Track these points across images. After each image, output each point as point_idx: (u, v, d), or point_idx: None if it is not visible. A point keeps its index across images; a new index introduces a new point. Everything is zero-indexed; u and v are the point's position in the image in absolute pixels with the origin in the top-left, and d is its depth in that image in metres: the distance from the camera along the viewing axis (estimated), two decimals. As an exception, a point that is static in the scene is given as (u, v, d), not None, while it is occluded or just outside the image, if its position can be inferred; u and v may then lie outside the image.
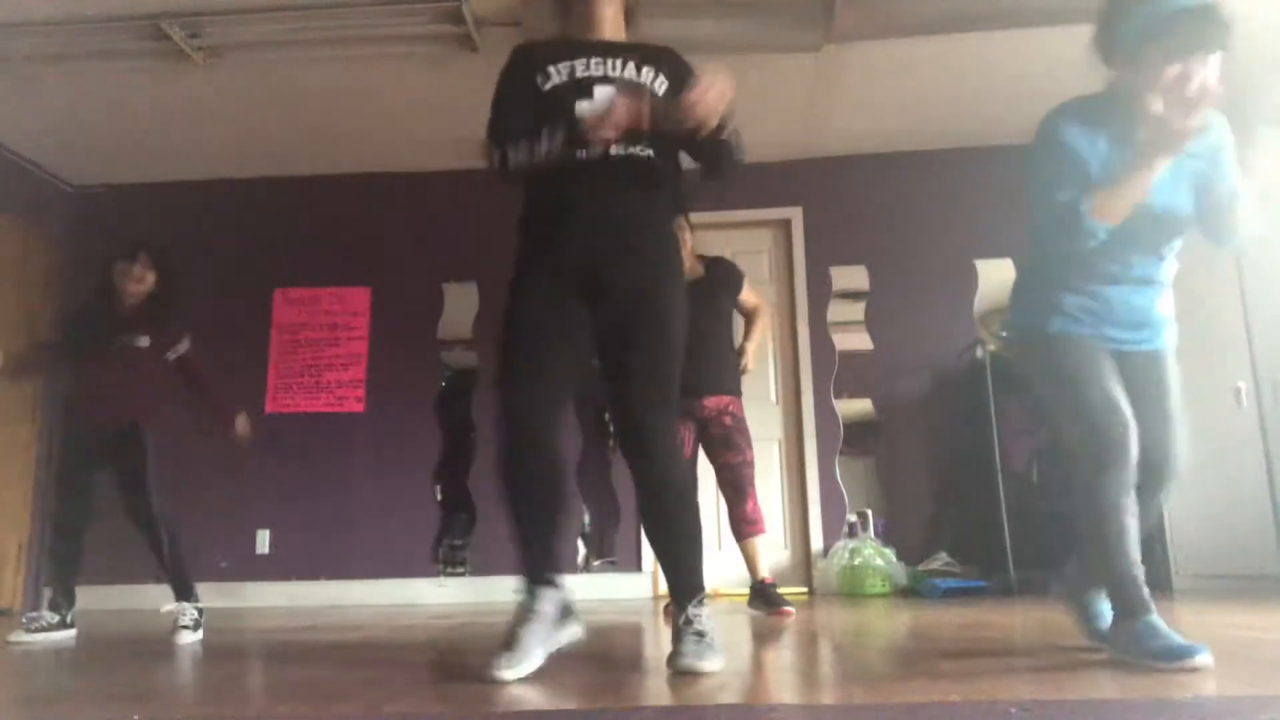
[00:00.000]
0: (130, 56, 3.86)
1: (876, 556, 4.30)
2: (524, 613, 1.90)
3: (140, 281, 3.24)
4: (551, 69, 1.99)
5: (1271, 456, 4.04)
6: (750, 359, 3.64)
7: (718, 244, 4.18)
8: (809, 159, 5.03)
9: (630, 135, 1.88)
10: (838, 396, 4.85)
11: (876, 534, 4.71)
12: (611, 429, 5.01)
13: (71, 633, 3.12)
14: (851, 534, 4.69)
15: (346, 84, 4.22)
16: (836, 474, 4.76)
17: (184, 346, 3.27)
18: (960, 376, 4.64)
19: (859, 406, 4.99)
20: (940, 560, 4.34)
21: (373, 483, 4.80)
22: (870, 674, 1.80)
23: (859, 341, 4.86)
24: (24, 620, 3.05)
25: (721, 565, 4.65)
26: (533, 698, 1.56)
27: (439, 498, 5.10)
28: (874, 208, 4.98)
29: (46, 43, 3.71)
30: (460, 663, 2.22)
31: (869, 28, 3.78)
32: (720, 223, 4.33)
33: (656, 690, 1.67)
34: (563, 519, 2.00)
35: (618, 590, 4.64)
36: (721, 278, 3.66)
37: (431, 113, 4.46)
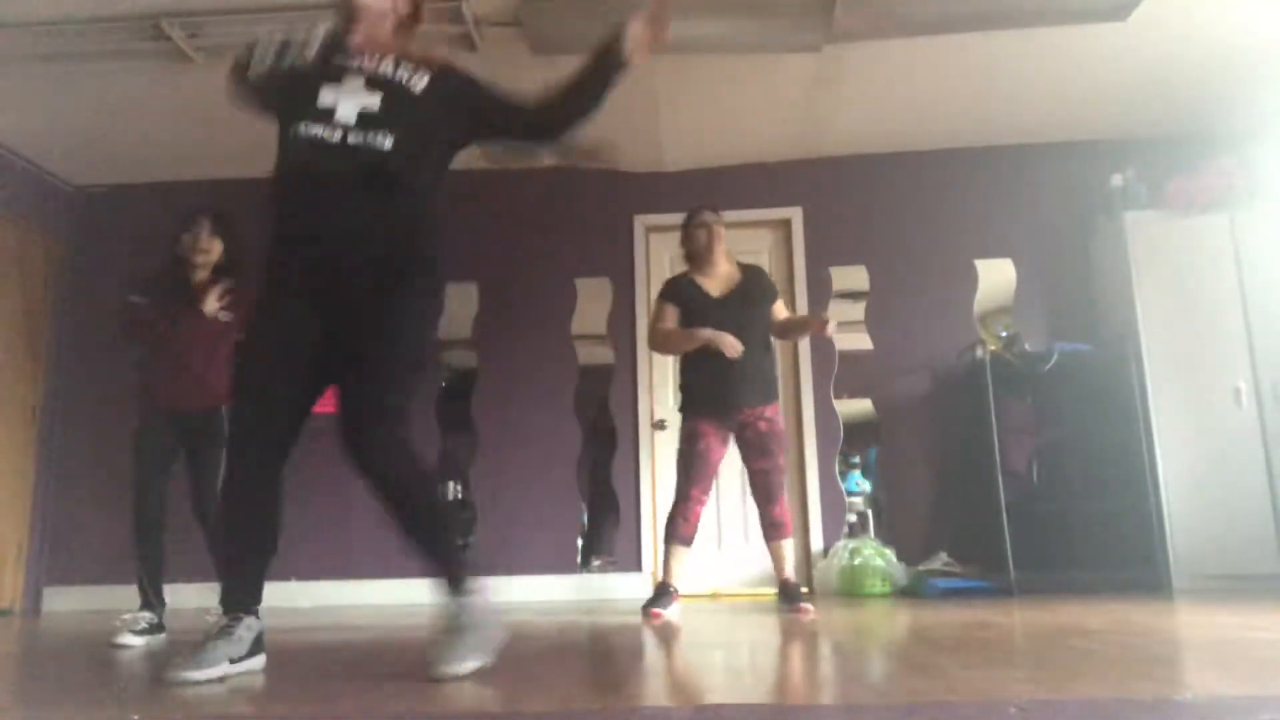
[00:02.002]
0: (130, 56, 3.86)
1: (876, 556, 4.30)
2: (221, 630, 1.89)
3: (207, 252, 3.11)
4: (314, 53, 2.05)
5: (1271, 456, 4.05)
6: (809, 318, 3.71)
7: (718, 244, 4.18)
8: (809, 159, 5.03)
9: (375, 120, 1.92)
10: (838, 396, 4.85)
11: (876, 534, 4.71)
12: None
13: (163, 636, 2.99)
14: (851, 534, 4.69)
15: (346, 84, 4.22)
16: (836, 474, 4.76)
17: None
18: (960, 376, 4.64)
19: (859, 406, 4.99)
20: (940, 560, 4.34)
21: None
22: (870, 674, 1.80)
23: (859, 341, 4.86)
24: (124, 620, 2.90)
25: (721, 566, 4.66)
26: (533, 698, 1.56)
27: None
28: (874, 208, 4.98)
29: (46, 43, 3.71)
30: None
31: (869, 28, 3.78)
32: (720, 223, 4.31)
33: (656, 690, 1.67)
34: (271, 550, 2.00)
35: (618, 590, 4.64)
36: (760, 287, 3.66)
37: (431, 113, 4.46)
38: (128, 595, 4.56)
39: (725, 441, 3.55)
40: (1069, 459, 4.45)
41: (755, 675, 1.84)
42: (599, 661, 2.11)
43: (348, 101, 1.95)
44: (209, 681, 1.79)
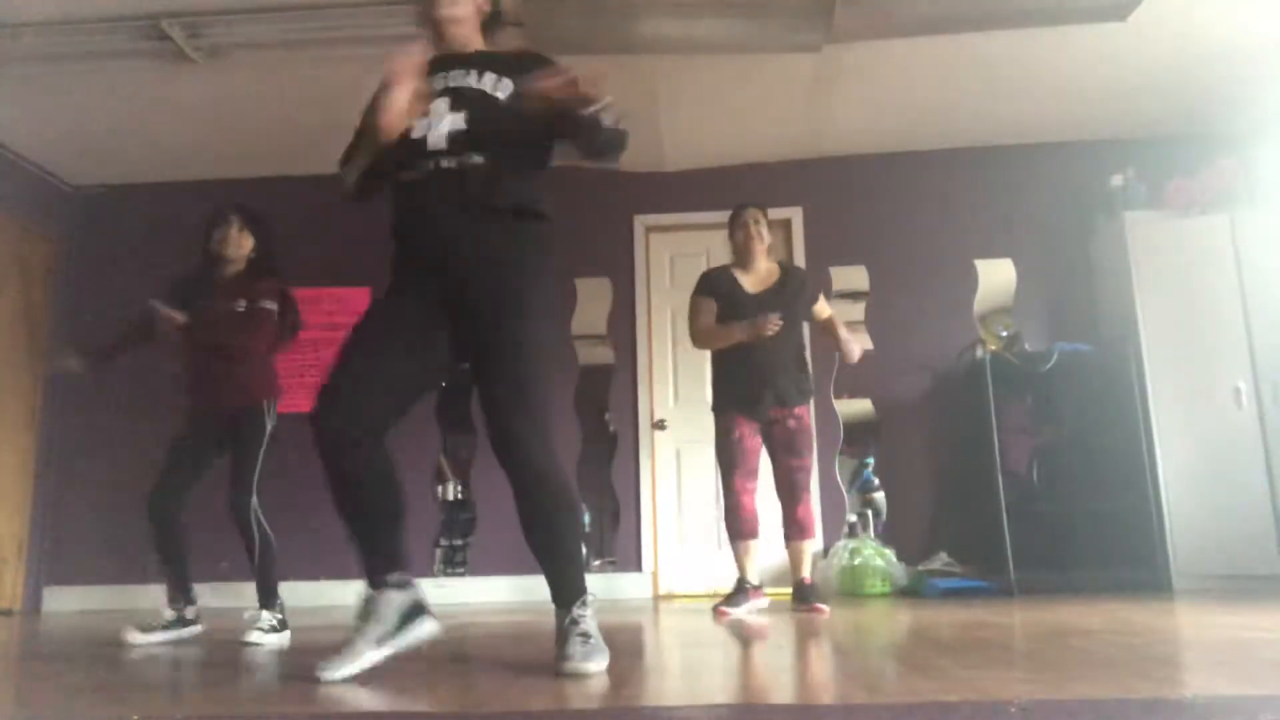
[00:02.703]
0: (130, 56, 3.86)
1: (876, 556, 4.30)
2: (361, 615, 1.89)
3: (240, 247, 3.07)
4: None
5: (1271, 456, 4.05)
6: (851, 344, 3.68)
7: (718, 244, 4.18)
8: (809, 159, 5.03)
9: (462, 142, 1.93)
10: (838, 396, 4.85)
11: (876, 534, 4.71)
12: (481, 435, 5.01)
13: (193, 630, 2.96)
14: (851, 534, 4.69)
15: (346, 84, 4.21)
16: (836, 474, 4.76)
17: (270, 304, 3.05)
18: (960, 376, 4.64)
19: (859, 406, 4.99)
20: (940, 560, 4.35)
21: (373, 483, 4.79)
22: (870, 674, 1.80)
23: (859, 341, 4.85)
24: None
25: (722, 566, 4.66)
26: (534, 698, 1.56)
27: (439, 498, 5.10)
28: (874, 208, 4.98)
29: (46, 43, 3.71)
30: (460, 662, 2.22)
31: (869, 28, 3.77)
32: (720, 223, 4.29)
33: (657, 690, 1.67)
34: (394, 520, 1.99)
35: (618, 590, 4.64)
36: (797, 288, 3.64)
37: (431, 113, 4.46)
38: (128, 595, 4.60)
39: (757, 434, 3.55)
40: (1069, 459, 4.45)
41: (755, 675, 1.84)
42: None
43: (436, 128, 1.96)
44: (362, 673, 1.78)
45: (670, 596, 4.64)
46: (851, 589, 4.24)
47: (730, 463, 3.50)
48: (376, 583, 1.92)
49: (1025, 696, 1.39)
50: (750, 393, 3.51)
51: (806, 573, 3.52)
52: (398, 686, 1.72)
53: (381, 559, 1.95)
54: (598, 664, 1.78)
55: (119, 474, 4.77)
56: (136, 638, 2.79)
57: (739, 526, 3.49)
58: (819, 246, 4.93)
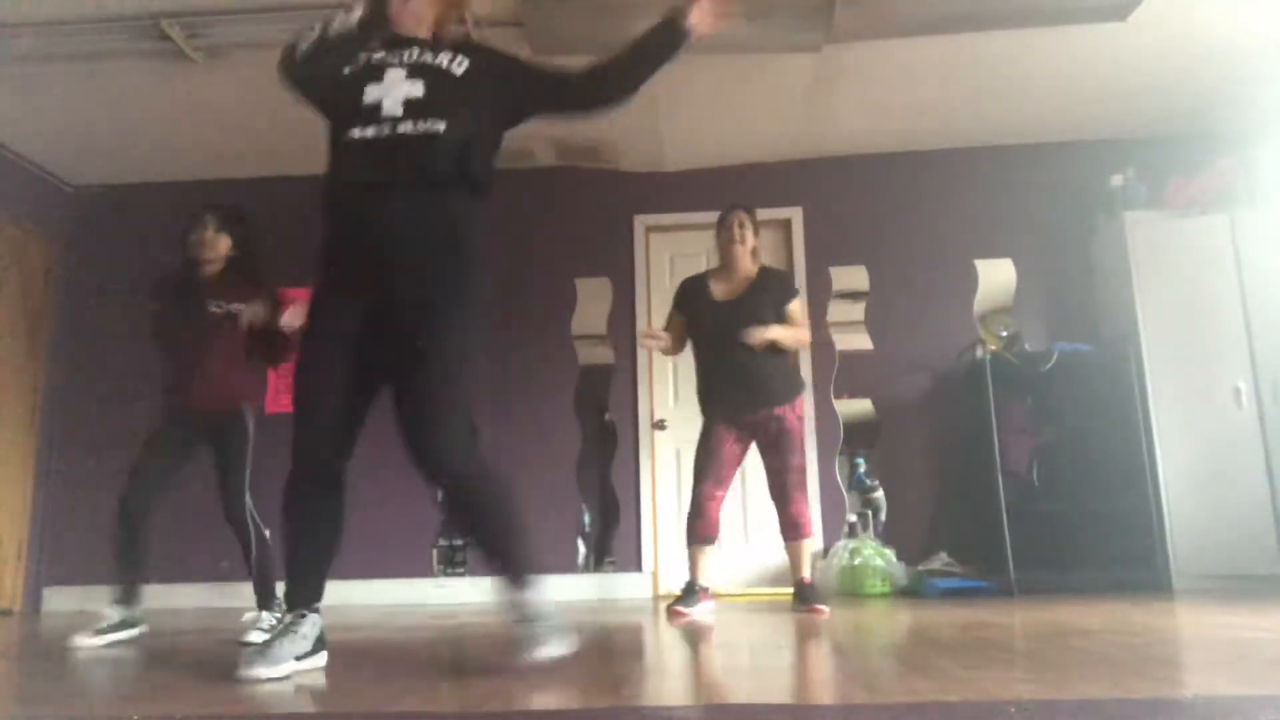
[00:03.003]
0: (130, 56, 3.86)
1: (876, 556, 4.30)
2: (286, 629, 1.92)
3: (213, 247, 3.04)
4: (354, 56, 2.06)
5: (1271, 456, 4.05)
6: (764, 334, 3.40)
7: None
8: (809, 159, 5.03)
9: (418, 109, 1.93)
10: (838, 396, 4.85)
11: (876, 534, 4.71)
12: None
13: (135, 631, 2.93)
14: (851, 534, 4.69)
15: (346, 84, 4.22)
16: (836, 474, 4.76)
17: (245, 309, 2.99)
18: (960, 376, 4.64)
19: (859, 406, 4.99)
20: (940, 560, 4.34)
21: (372, 483, 4.78)
22: (870, 674, 1.80)
23: (859, 341, 4.85)
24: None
25: (722, 566, 4.66)
26: (533, 697, 1.56)
27: (439, 498, 5.09)
28: (874, 208, 4.98)
29: (46, 43, 3.71)
30: (460, 663, 2.22)
31: (869, 28, 3.77)
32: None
33: (656, 690, 1.67)
34: (333, 549, 2.05)
35: (618, 590, 4.64)
36: (769, 290, 3.57)
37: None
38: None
39: (742, 440, 3.53)
40: (1069, 459, 4.45)
41: (755, 675, 1.84)
42: (599, 661, 2.11)
43: (393, 94, 1.96)
44: (276, 679, 1.80)
45: (670, 596, 4.63)
46: (851, 589, 4.24)
47: (703, 469, 3.48)
48: (307, 607, 1.98)
49: (1025, 696, 1.39)
50: (730, 396, 3.49)
51: (806, 573, 3.51)
52: (398, 686, 1.72)
53: (316, 587, 2.02)
54: (555, 650, 1.84)
55: (119, 474, 4.76)
56: (84, 640, 2.75)
57: (698, 532, 3.47)
58: (819, 246, 4.93)
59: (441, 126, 1.93)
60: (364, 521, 4.71)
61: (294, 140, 4.76)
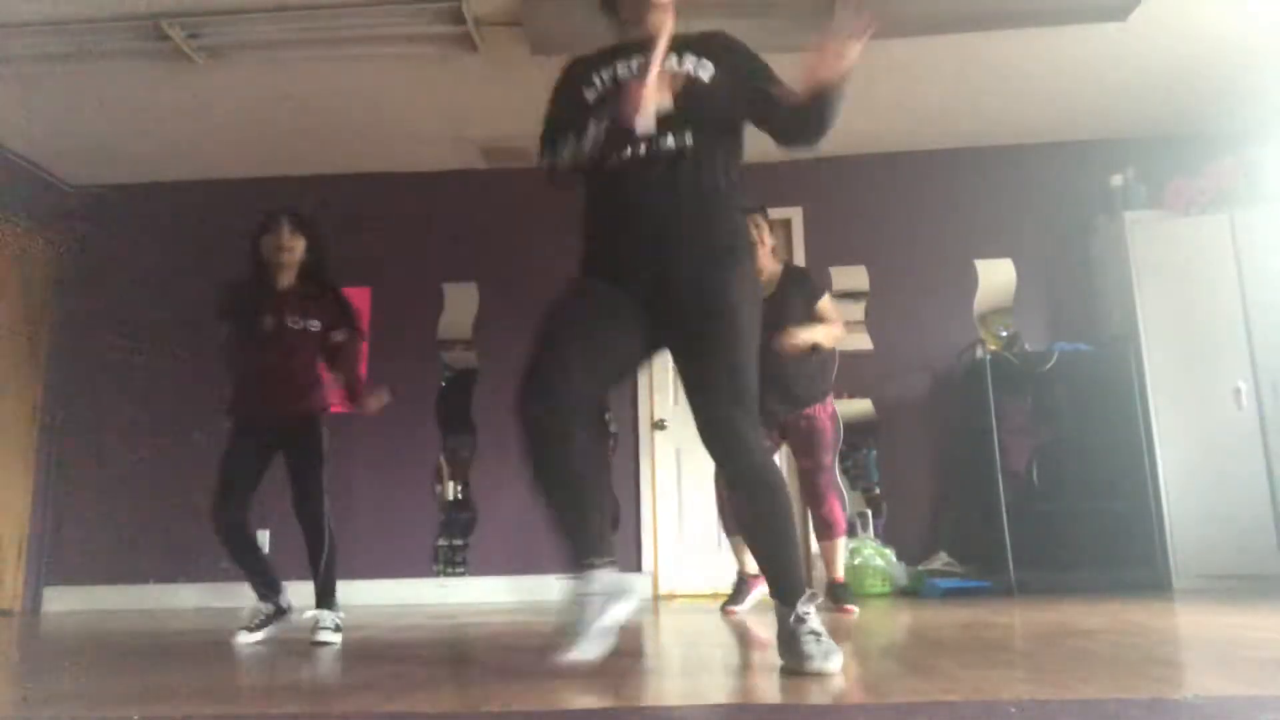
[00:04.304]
0: (130, 56, 3.86)
1: (876, 556, 4.29)
2: (575, 598, 1.84)
3: (291, 250, 2.97)
4: (595, 78, 2.00)
5: (1271, 456, 4.05)
6: (806, 337, 3.36)
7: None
8: (809, 159, 5.02)
9: (670, 123, 1.88)
10: (838, 396, 4.84)
11: (876, 534, 4.71)
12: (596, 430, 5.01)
13: (293, 618, 2.96)
14: (851, 534, 4.68)
15: (346, 84, 4.22)
16: (836, 474, 4.75)
17: (341, 336, 3.04)
18: (960, 376, 4.64)
19: (859, 406, 4.99)
20: (940, 560, 4.34)
21: (373, 483, 4.80)
22: (870, 674, 1.80)
23: (859, 341, 4.85)
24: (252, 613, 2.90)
25: (722, 566, 4.66)
26: (533, 697, 1.56)
27: (439, 498, 5.10)
28: (874, 208, 4.98)
29: (46, 43, 3.70)
30: (460, 662, 2.22)
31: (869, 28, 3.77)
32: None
33: (656, 690, 1.67)
34: (595, 501, 1.95)
35: (618, 590, 4.63)
36: (794, 289, 3.56)
37: (431, 113, 4.46)
38: (128, 595, 4.60)
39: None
40: (1069, 459, 4.45)
41: (755, 675, 1.84)
42: (599, 661, 2.11)
43: (644, 110, 1.88)
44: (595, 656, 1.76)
45: (671, 596, 4.64)
46: (851, 589, 4.23)
47: None
48: (586, 564, 1.87)
49: (1025, 696, 1.39)
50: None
51: (839, 572, 3.51)
52: (398, 686, 1.72)
53: (590, 542, 1.91)
54: (836, 663, 1.71)
55: (119, 474, 4.78)
56: (245, 637, 2.79)
57: (730, 523, 3.49)
58: (819, 246, 4.93)
59: (689, 139, 1.91)
60: (364, 521, 4.73)
61: (294, 140, 4.78)
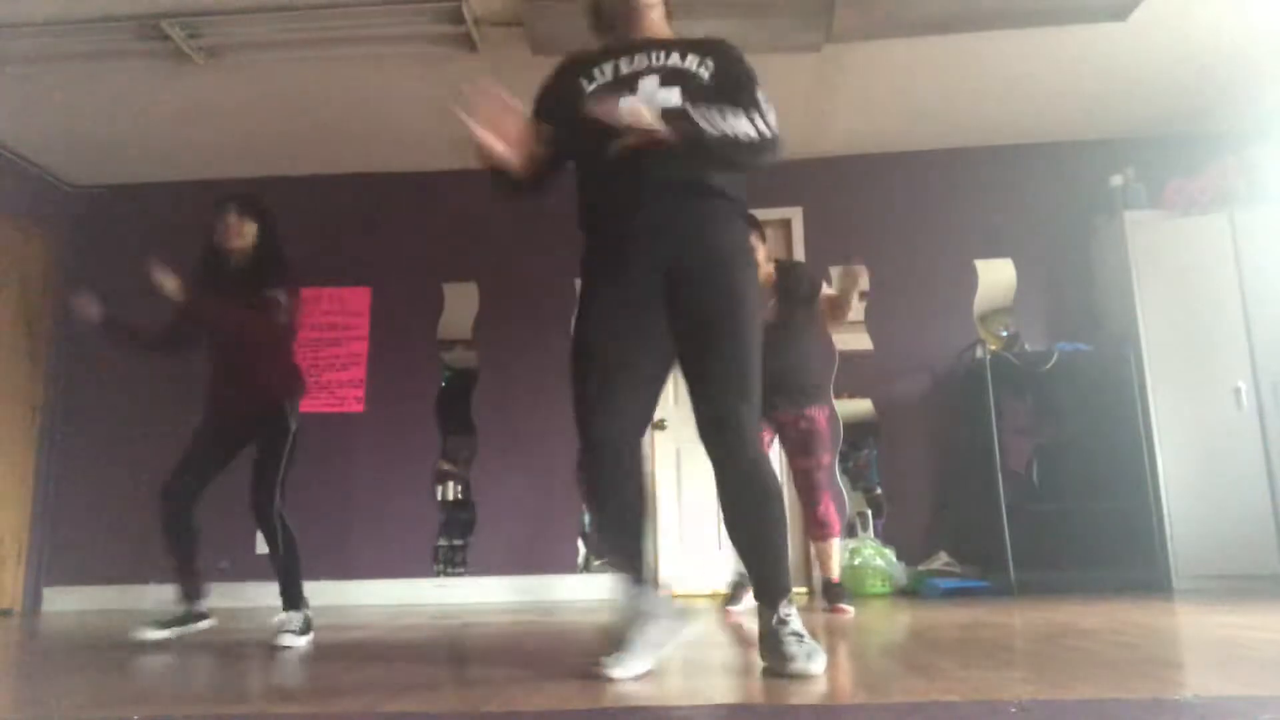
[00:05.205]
0: (130, 56, 3.86)
1: (876, 556, 4.29)
2: (632, 613, 1.86)
3: (240, 234, 2.95)
4: (596, 71, 2.00)
5: (1271, 456, 4.05)
6: (839, 296, 3.41)
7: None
8: (809, 159, 5.02)
9: (673, 118, 1.86)
10: (838, 396, 4.84)
11: (876, 534, 4.71)
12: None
13: (205, 624, 2.94)
14: (851, 534, 4.69)
15: (346, 84, 4.22)
16: (836, 474, 4.76)
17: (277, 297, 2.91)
18: (960, 376, 4.64)
19: (859, 406, 4.99)
20: (940, 560, 4.34)
21: (373, 483, 4.80)
22: (870, 674, 1.80)
23: (859, 341, 4.85)
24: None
25: (722, 566, 4.66)
26: (533, 697, 1.56)
27: (439, 498, 5.10)
28: (874, 208, 4.98)
29: (46, 43, 3.71)
30: (459, 662, 2.22)
31: (869, 28, 3.77)
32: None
33: (656, 690, 1.67)
34: (646, 520, 1.97)
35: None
36: (792, 285, 3.55)
37: (431, 113, 4.46)
38: (128, 595, 4.59)
39: (771, 434, 3.52)
40: (1069, 459, 4.45)
41: (755, 675, 1.84)
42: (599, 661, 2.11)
43: (651, 104, 1.88)
44: (639, 675, 1.76)
45: (670, 597, 4.63)
46: (851, 589, 4.23)
47: None
48: (641, 582, 1.90)
49: (1025, 696, 1.39)
50: (765, 398, 3.47)
51: (835, 572, 3.52)
52: (398, 686, 1.72)
53: (647, 563, 1.93)
54: (819, 664, 1.71)
55: (119, 474, 4.78)
56: (149, 634, 2.77)
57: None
58: (819, 246, 4.93)
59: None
60: (364, 521, 4.73)
61: (294, 140, 4.78)
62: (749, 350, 1.88)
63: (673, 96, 1.90)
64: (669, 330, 1.92)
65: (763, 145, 1.87)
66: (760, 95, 1.93)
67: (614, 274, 1.97)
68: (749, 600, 3.48)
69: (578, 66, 2.05)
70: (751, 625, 2.95)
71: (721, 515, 1.96)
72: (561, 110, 1.98)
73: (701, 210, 1.94)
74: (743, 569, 3.51)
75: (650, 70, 1.96)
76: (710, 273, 1.90)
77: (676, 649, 2.40)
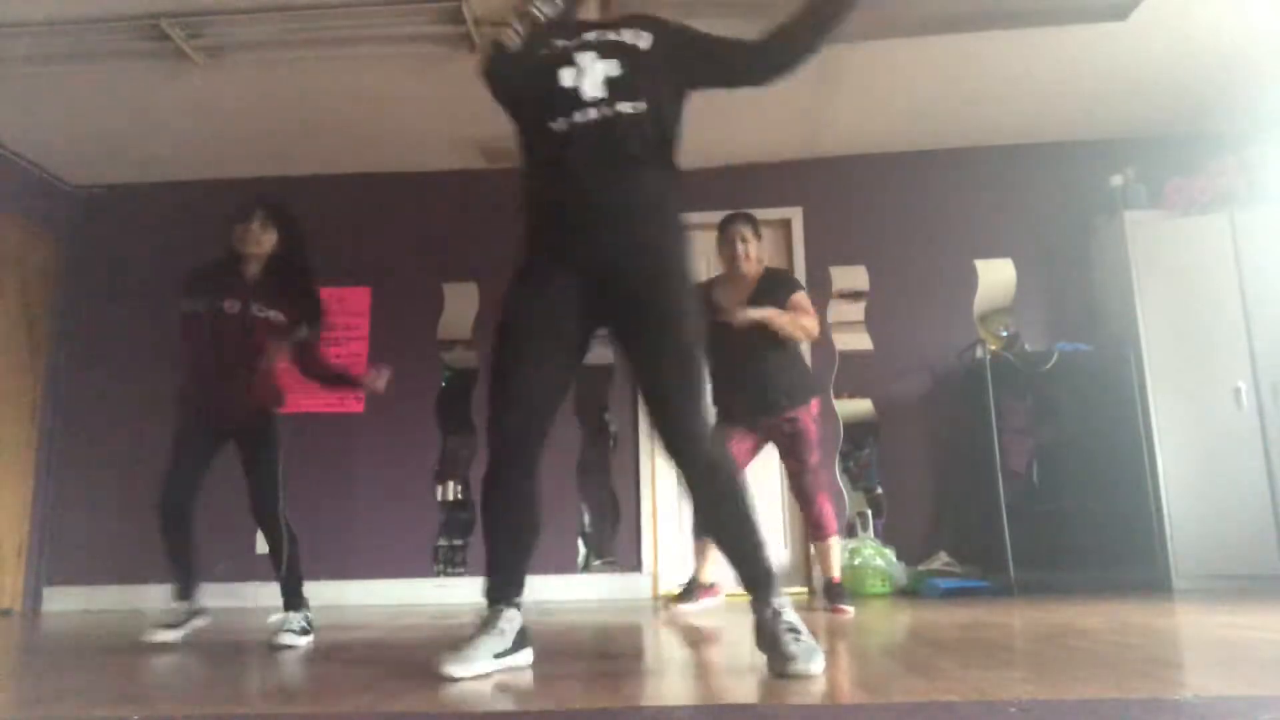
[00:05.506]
0: (130, 56, 3.86)
1: (876, 556, 4.29)
2: (485, 625, 1.88)
3: (259, 241, 2.91)
4: (543, 47, 2.01)
5: (1271, 456, 4.05)
6: (752, 314, 3.35)
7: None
8: (809, 159, 5.03)
9: (619, 88, 1.89)
10: (838, 396, 4.85)
11: (876, 534, 4.71)
12: (613, 429, 5.02)
13: (202, 621, 2.95)
14: (851, 534, 4.69)
15: (346, 84, 4.22)
16: (836, 474, 4.76)
17: (304, 331, 2.97)
18: (960, 376, 4.64)
19: (859, 406, 4.99)
20: (940, 560, 4.34)
21: (373, 483, 4.80)
22: (870, 674, 1.80)
23: (859, 341, 4.85)
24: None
25: (722, 565, 4.66)
26: (533, 698, 1.56)
27: (439, 498, 5.10)
28: (874, 208, 4.98)
29: (46, 43, 3.71)
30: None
31: (869, 28, 3.77)
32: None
33: (656, 690, 1.67)
34: (534, 542, 1.99)
35: (618, 590, 4.64)
36: (770, 291, 3.51)
37: (431, 113, 4.46)
38: (128, 595, 4.59)
39: (756, 441, 3.52)
40: (1069, 459, 4.45)
41: (755, 675, 1.83)
42: (599, 661, 2.11)
43: (590, 76, 1.91)
44: (476, 678, 1.75)
45: (670, 596, 4.63)
46: (851, 589, 4.22)
47: None
48: (504, 600, 1.92)
49: (1025, 696, 1.39)
50: (735, 403, 3.45)
51: (835, 572, 3.52)
52: (398, 686, 1.72)
53: (514, 579, 1.95)
54: (819, 664, 1.67)
55: (119, 474, 4.78)
56: (163, 635, 2.78)
57: (698, 529, 3.51)
58: (819, 246, 4.93)
59: (644, 105, 1.91)
60: (364, 521, 4.73)
61: (294, 140, 4.78)
62: (694, 351, 1.87)
63: (613, 68, 1.93)
64: (599, 315, 1.92)
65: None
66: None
67: (547, 246, 1.98)
68: (701, 606, 3.49)
69: (532, 40, 2.04)
70: (703, 623, 2.95)
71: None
72: (513, 69, 1.99)
73: (637, 182, 1.92)
74: (699, 574, 3.53)
75: (589, 46, 1.98)
76: (645, 280, 1.88)
77: (676, 649, 2.39)
